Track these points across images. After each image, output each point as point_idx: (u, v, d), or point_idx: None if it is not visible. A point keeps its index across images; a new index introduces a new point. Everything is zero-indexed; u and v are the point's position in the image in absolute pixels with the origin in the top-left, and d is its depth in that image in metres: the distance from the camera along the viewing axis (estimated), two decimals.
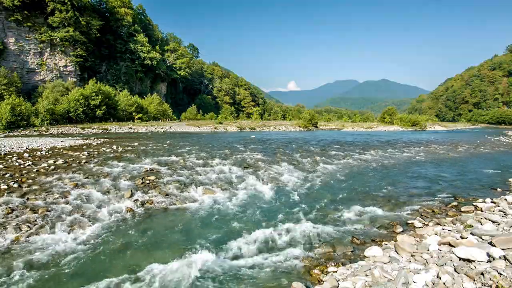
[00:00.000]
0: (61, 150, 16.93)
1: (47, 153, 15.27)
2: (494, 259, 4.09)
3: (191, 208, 8.19)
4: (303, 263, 5.26)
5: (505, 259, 3.97)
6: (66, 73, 57.56)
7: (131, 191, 8.84)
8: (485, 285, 3.53)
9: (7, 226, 6.33)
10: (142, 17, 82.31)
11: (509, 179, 11.85)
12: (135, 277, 4.74)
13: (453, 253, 4.53)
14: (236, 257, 5.49)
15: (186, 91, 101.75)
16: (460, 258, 4.37)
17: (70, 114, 44.13)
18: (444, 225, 6.66)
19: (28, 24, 52.01)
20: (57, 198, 8.02)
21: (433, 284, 3.80)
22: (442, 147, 23.95)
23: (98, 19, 59.79)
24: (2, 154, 14.69)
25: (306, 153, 17.91)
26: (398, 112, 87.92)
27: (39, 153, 15.22)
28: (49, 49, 55.14)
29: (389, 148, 21.85)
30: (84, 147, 18.93)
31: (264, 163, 13.94)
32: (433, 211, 7.92)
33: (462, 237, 5.36)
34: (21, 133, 33.69)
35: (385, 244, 5.90)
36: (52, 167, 11.48)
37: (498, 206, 7.72)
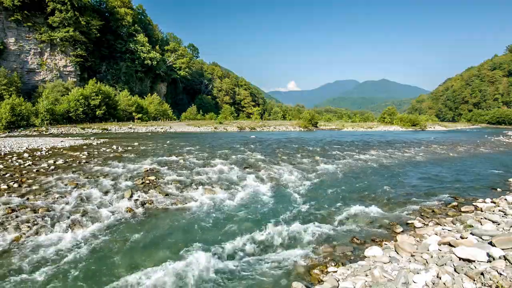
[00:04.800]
0: (61, 150, 16.93)
1: (47, 153, 15.27)
2: (494, 259, 4.09)
3: (191, 208, 8.19)
4: (303, 263, 5.26)
5: (505, 259, 3.97)
6: (66, 73, 57.50)
7: (131, 191, 8.84)
8: (485, 285, 3.53)
9: (7, 226, 6.33)
10: (142, 17, 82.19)
11: (509, 179, 11.86)
12: (135, 277, 4.74)
13: (453, 253, 4.53)
14: (236, 257, 5.49)
15: (186, 91, 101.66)
16: (460, 258, 4.38)
17: (70, 114, 44.10)
18: (444, 225, 6.66)
19: (28, 24, 51.94)
20: (57, 198, 8.02)
21: (433, 284, 3.80)
22: (442, 147, 23.95)
23: (98, 19, 59.71)
24: (2, 154, 14.69)
25: (306, 153, 17.91)
26: (398, 112, 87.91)
27: (39, 153, 15.22)
28: (49, 49, 55.09)
29: (389, 148, 21.86)
30: (84, 147, 18.94)
31: (264, 163, 13.95)
32: (433, 211, 7.92)
33: (462, 237, 5.36)
34: (21, 133, 33.67)
35: (385, 244, 5.90)
36: (52, 167, 11.48)
37: (498, 206, 7.72)
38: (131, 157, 14.69)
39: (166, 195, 8.89)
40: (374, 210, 7.99)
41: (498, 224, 6.10)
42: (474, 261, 4.20)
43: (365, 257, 5.32)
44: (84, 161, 13.11)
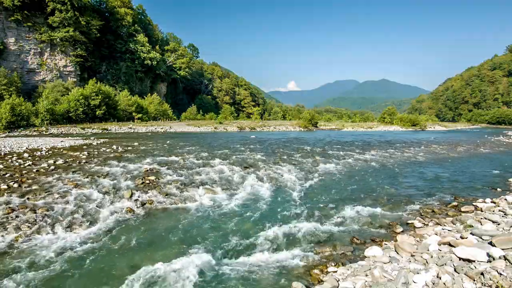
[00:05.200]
0: (61, 150, 16.93)
1: (47, 153, 15.27)
2: (494, 259, 4.09)
3: (191, 208, 8.19)
4: (303, 263, 5.26)
5: (505, 259, 3.97)
6: (66, 73, 57.49)
7: (131, 191, 8.84)
8: (485, 285, 3.53)
9: (7, 226, 6.34)
10: (142, 17, 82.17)
11: (509, 179, 11.86)
12: (135, 277, 4.74)
13: (453, 253, 4.53)
14: (236, 257, 5.49)
15: (186, 91, 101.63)
16: (460, 258, 4.38)
17: (70, 114, 44.09)
18: (444, 225, 6.66)
19: (28, 24, 51.94)
20: (57, 198, 8.02)
21: (433, 284, 3.80)
22: (442, 147, 23.94)
23: (98, 19, 59.70)
24: (2, 154, 14.69)
25: (306, 153, 17.91)
26: (398, 112, 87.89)
27: (39, 153, 15.22)
28: (49, 49, 55.09)
29: (389, 148, 21.85)
30: (84, 147, 18.94)
31: (264, 163, 13.94)
32: (433, 211, 7.92)
33: (462, 237, 5.36)
34: (21, 133, 33.66)
35: (385, 244, 5.90)
36: (52, 167, 11.48)
37: (498, 206, 7.72)
38: (131, 157, 14.69)
39: (166, 195, 8.89)
40: (374, 210, 7.99)
41: (498, 224, 6.10)
42: (474, 261, 4.20)
43: (365, 257, 5.32)
44: (84, 161, 13.10)
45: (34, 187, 8.84)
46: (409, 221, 7.15)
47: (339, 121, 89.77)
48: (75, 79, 57.86)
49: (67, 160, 13.16)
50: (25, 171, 10.64)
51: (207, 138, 29.22)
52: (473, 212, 7.63)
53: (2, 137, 27.89)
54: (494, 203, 8.20)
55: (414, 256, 4.98)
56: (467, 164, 16.09)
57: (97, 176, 10.32)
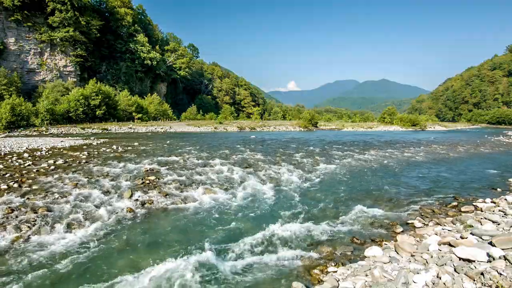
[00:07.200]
0: (61, 150, 16.94)
1: (47, 153, 15.27)
2: (494, 259, 4.09)
3: (191, 208, 8.19)
4: (303, 263, 5.26)
5: (505, 259, 3.97)
6: (66, 73, 57.49)
7: (131, 191, 8.84)
8: (485, 285, 3.53)
9: (7, 226, 6.33)
10: (142, 17, 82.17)
11: (509, 179, 11.85)
12: (135, 277, 4.74)
13: (453, 253, 4.53)
14: (236, 257, 5.49)
15: (186, 91, 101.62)
16: (460, 258, 4.38)
17: (70, 114, 44.09)
18: (444, 225, 6.66)
19: (28, 24, 51.95)
20: (57, 198, 8.02)
21: (433, 284, 3.80)
22: (442, 147, 23.95)
23: (98, 19, 59.71)
24: (2, 154, 14.69)
25: (306, 153, 17.91)
26: (398, 112, 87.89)
27: (39, 153, 15.22)
28: (49, 49, 55.09)
29: (389, 148, 21.85)
30: (84, 147, 18.94)
31: (264, 163, 13.94)
32: (433, 211, 7.92)
33: (462, 237, 5.36)
34: (21, 133, 33.66)
35: (385, 244, 5.90)
36: (52, 167, 11.48)
37: (498, 206, 7.72)
38: (131, 157, 14.69)
39: (166, 195, 8.89)
40: (374, 210, 7.99)
41: (498, 224, 6.10)
42: (474, 261, 4.20)
43: (365, 257, 5.32)
44: (84, 161, 13.11)
45: (34, 187, 8.84)
46: (409, 221, 7.15)
47: (339, 121, 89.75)
48: (75, 79, 57.85)
49: (67, 160, 13.17)
50: (25, 171, 10.65)
51: (207, 138, 29.22)
52: (473, 212, 7.63)
53: (2, 137, 27.88)
54: (494, 203, 8.19)
55: (414, 256, 4.98)
56: (467, 164, 16.08)
57: (97, 176, 10.32)
